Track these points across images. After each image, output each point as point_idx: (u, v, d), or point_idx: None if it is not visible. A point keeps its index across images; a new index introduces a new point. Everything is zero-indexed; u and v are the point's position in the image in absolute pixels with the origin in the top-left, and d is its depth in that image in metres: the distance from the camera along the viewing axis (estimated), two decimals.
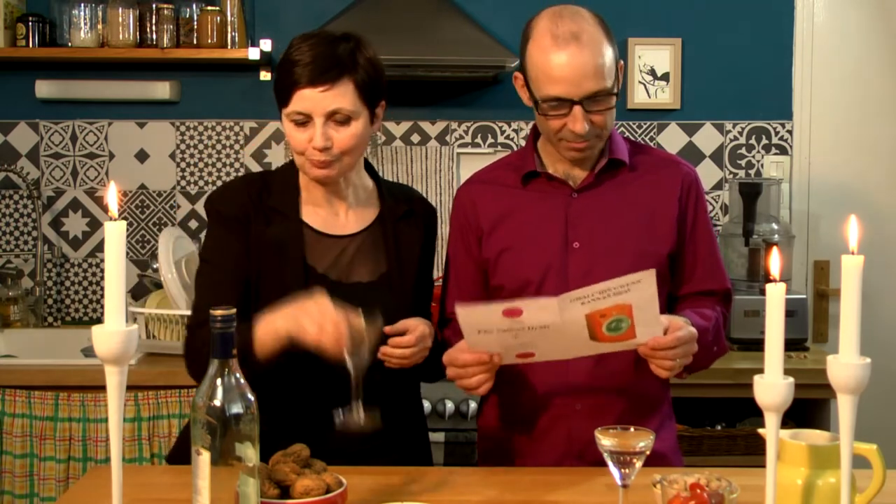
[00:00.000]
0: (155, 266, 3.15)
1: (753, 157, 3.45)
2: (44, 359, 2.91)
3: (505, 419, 1.96)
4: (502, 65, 3.08)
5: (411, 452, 1.93)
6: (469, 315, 1.66)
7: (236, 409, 1.31)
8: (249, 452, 1.33)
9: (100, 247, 3.41)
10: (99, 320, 2.86)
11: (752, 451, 2.90)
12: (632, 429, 1.54)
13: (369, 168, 1.98)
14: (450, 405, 2.76)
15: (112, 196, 1.35)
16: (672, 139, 3.43)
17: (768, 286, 1.36)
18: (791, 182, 3.44)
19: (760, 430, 1.43)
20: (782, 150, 3.45)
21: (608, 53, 1.80)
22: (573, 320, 1.63)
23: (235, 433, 1.31)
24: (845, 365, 1.32)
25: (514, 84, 1.91)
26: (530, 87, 1.84)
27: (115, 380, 1.32)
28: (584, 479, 1.76)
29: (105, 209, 3.28)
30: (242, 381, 1.33)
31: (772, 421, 1.35)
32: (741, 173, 3.44)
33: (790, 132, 3.45)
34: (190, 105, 3.42)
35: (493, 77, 3.34)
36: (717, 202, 3.46)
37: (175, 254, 2.97)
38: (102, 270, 3.14)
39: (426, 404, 2.73)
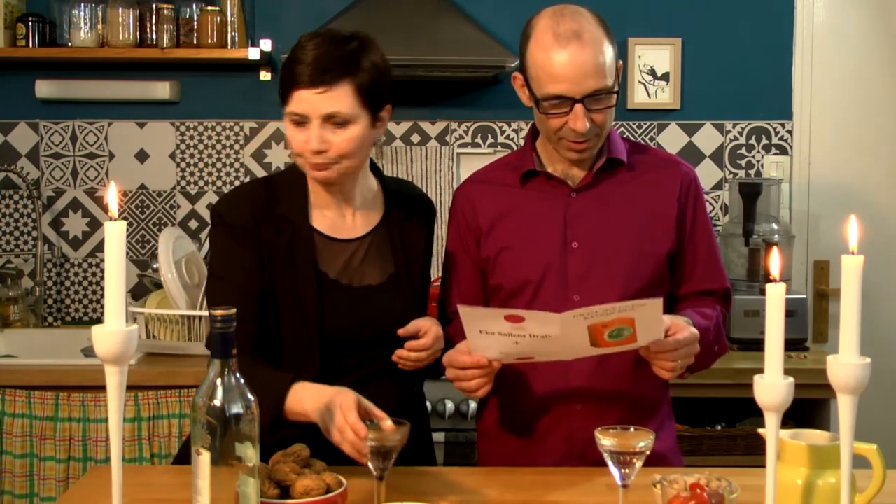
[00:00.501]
0: (155, 266, 3.15)
1: (753, 157, 3.45)
2: (44, 359, 2.91)
3: (505, 420, 1.96)
4: (502, 65, 3.08)
5: (415, 452, 1.90)
6: (472, 315, 1.66)
7: (236, 409, 1.31)
8: (249, 452, 1.33)
9: (100, 247, 3.41)
10: (99, 320, 2.86)
11: (752, 451, 2.90)
12: (632, 429, 1.54)
13: (374, 167, 1.97)
14: (450, 405, 2.76)
15: (112, 196, 1.35)
16: (672, 139, 3.43)
17: (768, 286, 1.36)
18: (791, 182, 3.44)
19: (760, 430, 1.43)
20: (782, 150, 3.45)
21: (609, 52, 1.80)
22: (575, 331, 1.63)
23: (235, 433, 1.31)
24: (845, 365, 1.32)
25: (513, 84, 1.91)
26: (531, 87, 1.84)
27: (115, 380, 1.32)
28: (584, 479, 1.76)
29: (105, 209, 3.28)
30: (242, 381, 1.33)
31: (772, 421, 1.35)
32: (741, 173, 3.44)
33: (790, 132, 3.45)
34: (190, 105, 3.42)
35: (493, 77, 3.34)
36: (717, 202, 3.46)
37: (175, 254, 2.97)
38: (102, 270, 3.14)
39: (426, 405, 2.74)
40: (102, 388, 1.33)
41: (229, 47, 3.24)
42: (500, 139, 3.43)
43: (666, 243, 1.90)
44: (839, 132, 3.45)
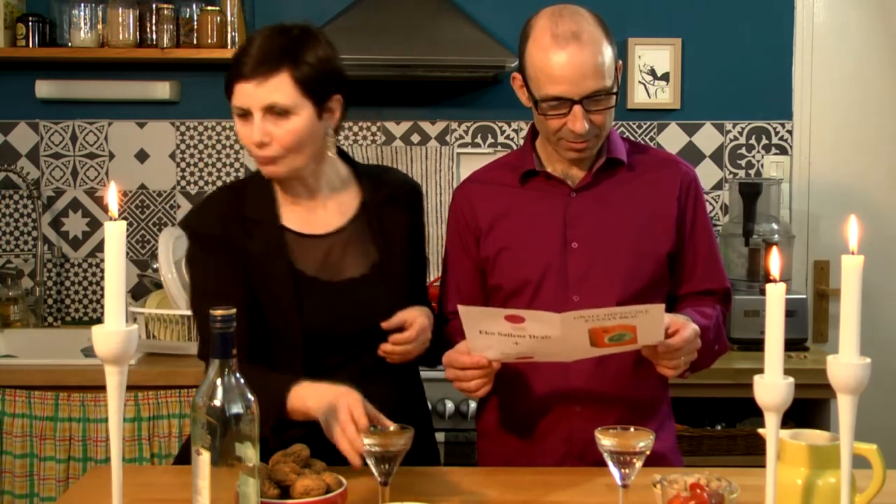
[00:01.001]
0: (155, 266, 3.15)
1: (753, 157, 3.45)
2: (44, 359, 2.91)
3: (505, 421, 1.96)
4: (502, 65, 3.08)
5: (418, 450, 1.86)
6: (472, 315, 1.66)
7: (236, 409, 1.31)
8: (249, 452, 1.33)
9: (100, 247, 3.41)
10: (99, 320, 2.86)
11: (752, 451, 2.90)
12: (632, 429, 1.53)
13: (343, 154, 1.94)
14: (450, 405, 2.76)
15: (112, 196, 1.35)
16: (672, 139, 3.43)
17: (768, 286, 1.36)
18: (791, 182, 3.44)
19: (760, 430, 1.43)
20: (782, 150, 3.45)
21: (608, 53, 1.80)
22: (575, 333, 1.63)
23: (235, 433, 1.31)
24: (845, 365, 1.32)
25: (513, 85, 1.90)
26: (529, 87, 1.84)
27: (115, 380, 1.32)
28: (584, 479, 1.75)
29: (105, 209, 3.28)
30: (242, 381, 1.33)
31: (772, 421, 1.35)
32: (741, 173, 3.44)
33: (790, 132, 3.45)
34: (190, 105, 3.42)
35: (493, 77, 3.34)
36: (717, 202, 3.46)
37: (175, 254, 2.97)
38: (102, 270, 3.14)
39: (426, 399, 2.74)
40: (102, 388, 1.33)
41: (229, 47, 3.24)
42: (500, 139, 3.43)
43: (666, 243, 1.90)
44: (839, 132, 3.45)
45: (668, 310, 1.88)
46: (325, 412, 1.61)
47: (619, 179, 1.92)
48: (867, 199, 3.42)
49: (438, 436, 2.67)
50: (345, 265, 1.85)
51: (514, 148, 3.34)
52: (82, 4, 3.22)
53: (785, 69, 3.43)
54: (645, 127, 3.42)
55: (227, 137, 3.42)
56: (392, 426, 1.56)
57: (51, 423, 2.71)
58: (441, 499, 1.64)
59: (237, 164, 3.43)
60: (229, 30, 3.25)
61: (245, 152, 3.42)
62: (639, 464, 1.49)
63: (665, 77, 3.40)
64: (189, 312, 2.88)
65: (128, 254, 2.78)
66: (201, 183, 3.43)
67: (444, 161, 3.35)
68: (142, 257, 3.43)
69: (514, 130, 3.42)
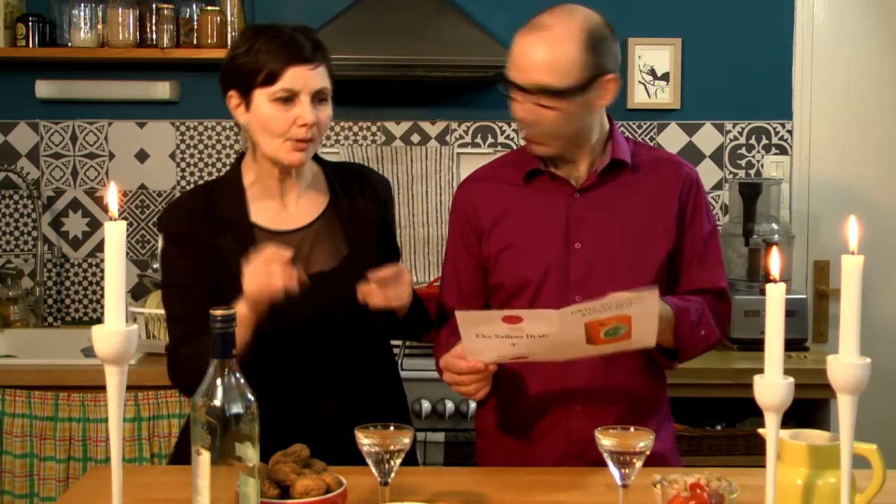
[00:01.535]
0: (155, 266, 3.15)
1: (753, 157, 3.45)
2: (44, 359, 2.91)
3: (504, 421, 1.96)
4: (502, 65, 3.05)
5: (389, 406, 1.94)
6: (469, 320, 1.65)
7: (236, 409, 1.31)
8: (249, 452, 1.33)
9: (100, 247, 3.41)
10: (99, 320, 2.86)
11: (752, 451, 2.90)
12: (632, 429, 1.54)
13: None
14: (450, 405, 2.76)
15: (112, 196, 1.35)
16: (672, 139, 3.43)
17: (768, 286, 1.36)
18: (791, 182, 3.44)
19: (760, 430, 1.43)
20: (782, 150, 3.45)
21: (573, 55, 1.78)
22: (572, 329, 1.63)
23: (235, 433, 1.31)
24: (845, 365, 1.32)
25: None
26: None
27: (115, 380, 1.32)
28: (584, 479, 1.76)
29: (105, 209, 3.28)
30: (242, 381, 1.33)
31: (772, 421, 1.35)
32: (741, 173, 3.44)
33: (790, 132, 3.45)
34: (190, 105, 3.42)
35: (493, 77, 3.34)
36: (717, 202, 3.46)
37: None
38: (102, 270, 3.14)
39: (426, 405, 2.74)
40: (102, 388, 1.33)
41: (229, 47, 3.23)
42: (500, 139, 3.43)
43: (666, 243, 1.90)
44: (839, 132, 3.45)
45: None
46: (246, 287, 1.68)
47: (623, 180, 1.92)
48: (867, 199, 3.42)
49: (439, 436, 2.68)
50: (314, 259, 1.88)
51: (514, 148, 3.34)
52: (82, 4, 3.22)
53: (785, 69, 3.43)
54: (645, 127, 3.42)
55: (227, 137, 3.42)
56: (392, 426, 1.56)
57: (51, 423, 2.71)
58: (441, 499, 1.64)
59: None
60: (229, 30, 3.25)
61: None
62: (639, 464, 1.49)
63: (665, 77, 3.40)
64: None
65: (128, 254, 2.78)
66: (201, 183, 3.42)
67: (444, 161, 3.35)
68: (142, 257, 3.44)
69: (514, 130, 3.41)
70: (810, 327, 3.37)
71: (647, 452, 1.49)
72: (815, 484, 1.45)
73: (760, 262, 3.15)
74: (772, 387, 1.34)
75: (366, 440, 1.51)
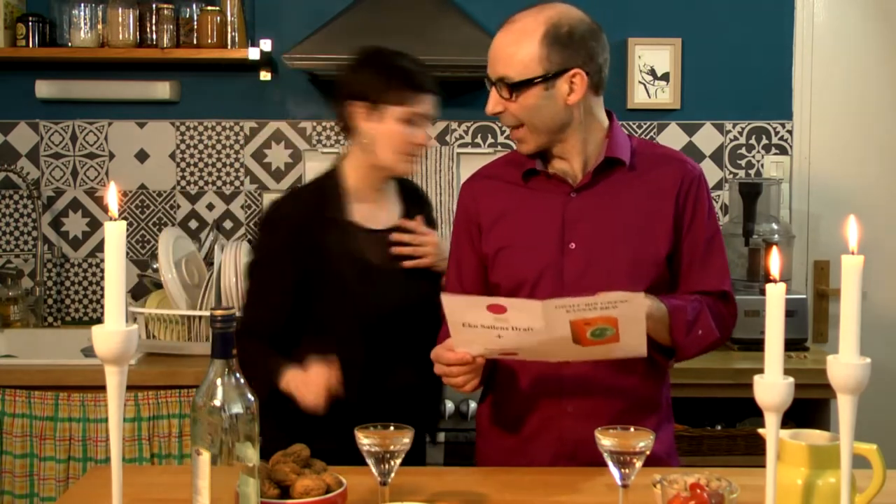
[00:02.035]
0: (155, 266, 3.15)
1: (753, 157, 3.45)
2: (44, 359, 2.92)
3: (499, 420, 1.96)
4: None
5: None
6: (454, 305, 1.66)
7: (236, 409, 1.31)
8: (249, 452, 1.33)
9: (100, 247, 3.41)
10: (99, 320, 2.86)
11: (752, 451, 2.90)
12: (632, 429, 1.54)
13: None
14: (450, 405, 2.76)
15: (112, 196, 1.35)
16: (672, 139, 3.43)
17: (768, 286, 1.36)
18: (791, 182, 3.44)
19: (760, 430, 1.43)
20: (782, 150, 3.45)
21: (532, 48, 1.80)
22: (557, 325, 1.62)
23: (235, 433, 1.31)
24: (845, 365, 1.32)
25: None
26: None
27: (115, 380, 1.32)
28: (584, 479, 1.76)
29: (105, 209, 3.28)
30: (242, 380, 1.33)
31: (772, 421, 1.35)
32: (741, 173, 3.44)
33: (790, 132, 3.45)
34: (190, 105, 3.42)
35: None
36: (717, 202, 3.45)
37: (175, 254, 2.98)
38: (102, 270, 3.14)
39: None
40: (102, 388, 1.33)
41: (229, 47, 3.24)
42: (500, 139, 3.43)
43: (664, 245, 1.88)
44: (839, 132, 3.45)
45: None
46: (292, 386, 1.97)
47: (620, 179, 1.91)
48: (867, 199, 3.42)
49: (439, 436, 2.68)
50: (396, 258, 2.17)
51: (514, 148, 3.34)
52: (82, 4, 3.22)
53: (785, 69, 3.43)
54: (645, 127, 3.42)
55: (227, 137, 3.42)
56: (392, 426, 1.56)
57: (51, 423, 2.71)
58: (441, 499, 1.64)
59: (237, 164, 3.43)
60: (229, 30, 3.25)
61: (245, 152, 3.42)
62: (639, 464, 1.49)
63: (665, 77, 3.40)
64: (189, 312, 2.89)
65: (128, 254, 2.78)
66: (201, 183, 3.43)
67: (444, 161, 3.35)
68: (142, 257, 3.44)
69: None
70: (810, 327, 3.37)
71: (647, 452, 1.49)
72: (815, 484, 1.45)
73: (760, 262, 3.15)
74: (772, 387, 1.34)
75: (366, 440, 1.51)
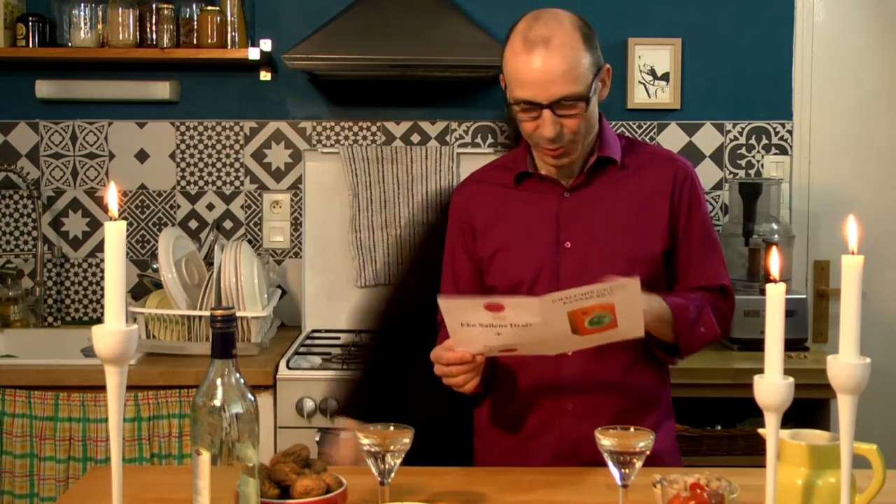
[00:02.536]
0: (155, 266, 3.15)
1: (753, 157, 3.45)
2: (44, 359, 2.91)
3: (497, 419, 1.96)
4: (502, 65, 3.07)
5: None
6: (452, 307, 1.66)
7: (236, 409, 1.31)
8: (249, 452, 1.33)
9: (100, 247, 3.41)
10: (99, 320, 2.86)
11: (752, 451, 2.90)
12: (632, 429, 1.54)
13: None
14: None
15: (112, 196, 1.36)
16: (672, 139, 3.43)
17: (768, 286, 1.36)
18: (791, 182, 3.44)
19: (760, 430, 1.43)
20: (782, 150, 3.45)
21: (581, 58, 1.78)
22: (555, 318, 1.63)
23: (235, 433, 1.31)
24: (845, 365, 1.32)
25: (501, 85, 1.91)
26: (506, 89, 1.85)
27: (115, 380, 1.32)
28: (584, 479, 1.76)
29: (105, 209, 3.28)
30: (242, 380, 1.33)
31: (772, 421, 1.35)
32: (741, 173, 3.44)
33: (790, 132, 3.45)
34: (190, 105, 3.42)
35: (493, 77, 3.33)
36: (717, 202, 3.46)
37: (175, 254, 2.97)
38: (102, 270, 3.14)
39: None
40: (102, 388, 1.33)
41: (229, 47, 3.24)
42: (501, 139, 3.43)
43: (659, 242, 1.89)
44: (839, 132, 3.45)
45: None
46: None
47: (613, 178, 1.92)
48: (867, 199, 3.42)
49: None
50: None
51: (512, 148, 3.34)
52: (82, 4, 3.22)
53: (785, 69, 3.43)
54: (645, 127, 3.42)
55: (227, 137, 3.42)
56: (392, 426, 1.56)
57: (51, 423, 2.71)
58: (441, 499, 1.64)
59: (237, 164, 3.43)
60: (229, 30, 3.25)
61: (245, 152, 3.43)
62: (639, 464, 1.49)
63: (665, 77, 3.40)
64: (189, 312, 2.88)
65: (128, 254, 2.78)
66: (201, 183, 3.43)
67: (444, 161, 3.35)
68: (142, 257, 3.44)
69: (515, 130, 3.41)
70: (810, 327, 3.37)
71: (647, 452, 1.49)
72: (815, 484, 1.45)
73: (760, 262, 3.15)
74: (772, 387, 1.34)
75: (366, 440, 1.51)
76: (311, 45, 3.05)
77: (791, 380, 1.35)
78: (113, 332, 1.31)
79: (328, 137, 3.42)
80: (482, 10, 3.31)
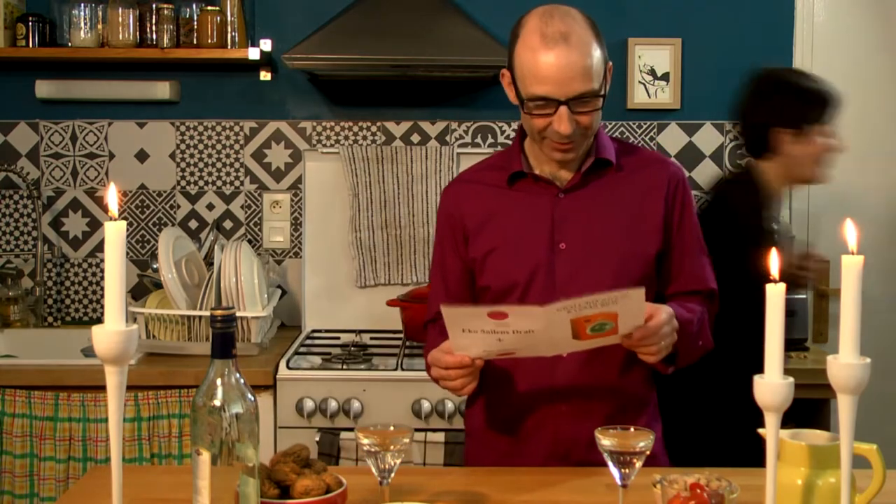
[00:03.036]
0: (155, 266, 3.15)
1: None
2: (44, 359, 2.91)
3: (491, 420, 1.96)
4: (502, 65, 3.06)
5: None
6: (454, 315, 1.66)
7: (236, 409, 1.31)
8: (249, 452, 1.33)
9: (100, 247, 3.42)
10: (99, 320, 2.86)
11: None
12: (632, 429, 1.54)
13: None
14: (450, 405, 2.76)
15: (112, 196, 1.35)
16: (672, 139, 3.43)
17: (768, 286, 1.36)
18: None
19: (760, 431, 1.43)
20: None
21: (596, 55, 1.79)
22: (558, 326, 1.63)
23: (235, 433, 1.31)
24: (845, 365, 1.32)
25: (501, 81, 1.91)
26: (517, 85, 1.84)
27: (115, 380, 1.32)
28: (584, 479, 1.76)
29: (105, 209, 3.28)
30: (242, 380, 1.33)
31: (772, 421, 1.36)
32: None
33: None
34: (190, 105, 3.42)
35: (493, 77, 3.32)
36: None
37: (175, 254, 2.97)
38: (102, 270, 3.14)
39: (426, 405, 2.74)
40: (102, 388, 1.33)
41: (229, 47, 3.24)
42: (500, 139, 3.43)
43: (653, 243, 1.90)
44: (839, 132, 3.44)
45: None
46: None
47: (608, 180, 1.92)
48: (867, 200, 3.42)
49: (439, 436, 2.68)
50: None
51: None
52: (82, 4, 3.22)
53: None
54: (645, 127, 3.42)
55: (227, 137, 3.42)
56: (392, 426, 1.56)
57: (51, 423, 2.71)
58: (441, 499, 1.64)
59: (237, 164, 3.43)
60: (229, 30, 3.25)
61: (245, 152, 3.43)
62: (639, 464, 1.49)
63: (665, 77, 3.40)
64: (189, 312, 2.89)
65: (128, 254, 2.78)
66: (201, 183, 3.43)
67: (444, 161, 3.35)
68: (142, 257, 3.44)
69: (514, 130, 3.41)
70: (810, 327, 3.37)
71: (647, 452, 1.49)
72: (815, 484, 1.45)
73: None
74: (772, 387, 1.34)
75: (366, 440, 1.51)
76: (311, 45, 3.05)
77: (791, 380, 1.36)
78: (113, 332, 1.31)
79: (328, 137, 3.42)
80: (482, 10, 3.31)
